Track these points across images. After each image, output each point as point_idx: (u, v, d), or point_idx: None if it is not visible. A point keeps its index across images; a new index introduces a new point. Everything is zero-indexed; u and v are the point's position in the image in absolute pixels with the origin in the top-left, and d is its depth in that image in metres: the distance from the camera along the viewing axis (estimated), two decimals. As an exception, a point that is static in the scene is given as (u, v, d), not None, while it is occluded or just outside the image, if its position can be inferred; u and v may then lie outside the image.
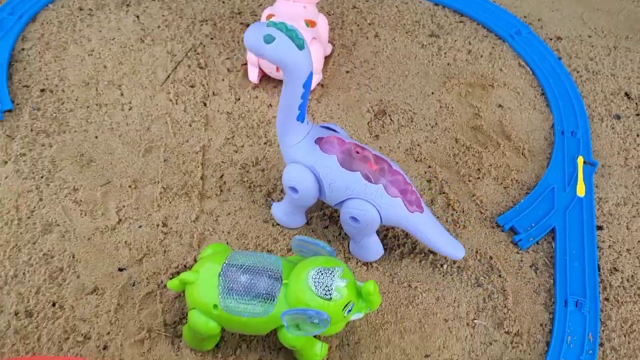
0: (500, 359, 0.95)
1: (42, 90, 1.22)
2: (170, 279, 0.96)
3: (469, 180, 1.15)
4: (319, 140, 0.94)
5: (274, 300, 0.82)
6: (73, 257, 0.99)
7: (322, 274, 0.81)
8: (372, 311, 0.86)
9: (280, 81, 1.27)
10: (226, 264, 0.84)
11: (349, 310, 0.82)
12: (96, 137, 1.16)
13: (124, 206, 1.06)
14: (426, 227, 0.96)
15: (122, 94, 1.24)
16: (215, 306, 0.82)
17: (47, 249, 0.99)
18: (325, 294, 0.80)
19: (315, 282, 0.80)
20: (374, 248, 1.01)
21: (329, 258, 0.84)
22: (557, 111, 1.28)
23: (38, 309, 0.93)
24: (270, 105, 1.25)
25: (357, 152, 0.93)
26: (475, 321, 0.98)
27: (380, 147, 1.19)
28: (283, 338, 0.84)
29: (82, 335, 0.91)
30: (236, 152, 1.16)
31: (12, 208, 1.04)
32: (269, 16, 1.24)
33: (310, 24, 1.23)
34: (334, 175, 0.93)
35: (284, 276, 0.83)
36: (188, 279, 0.84)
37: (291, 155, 0.95)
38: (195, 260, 1.00)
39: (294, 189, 0.96)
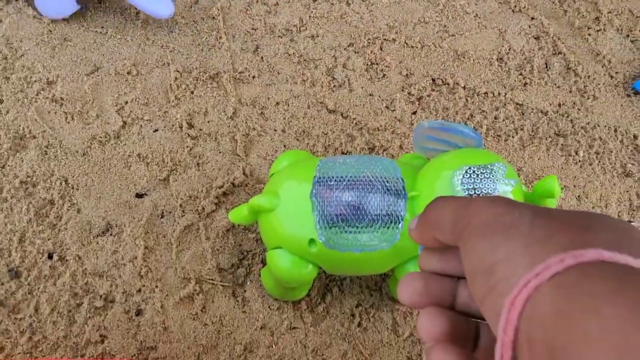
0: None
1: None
2: (228, 207, 0.67)
3: (588, 35, 0.86)
4: None
5: (399, 223, 0.53)
6: (66, 182, 0.67)
7: (475, 175, 0.51)
8: None
9: None
10: (318, 178, 0.54)
11: None
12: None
13: (126, 102, 0.73)
14: None
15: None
16: (311, 241, 0.54)
17: (24, 173, 0.67)
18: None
19: (466, 187, 0.51)
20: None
21: (477, 151, 0.55)
22: None
23: (28, 265, 0.62)
24: (304, -55, 0.89)
25: None
26: (632, 224, 0.73)
27: (468, 2, 0.87)
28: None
29: (101, 297, 0.62)
30: (269, 12, 0.82)
31: (-40, 117, 0.70)
32: None
33: None
34: None
35: (408, 186, 0.54)
36: (263, 205, 0.54)
37: None
38: (245, 173, 0.69)
39: None
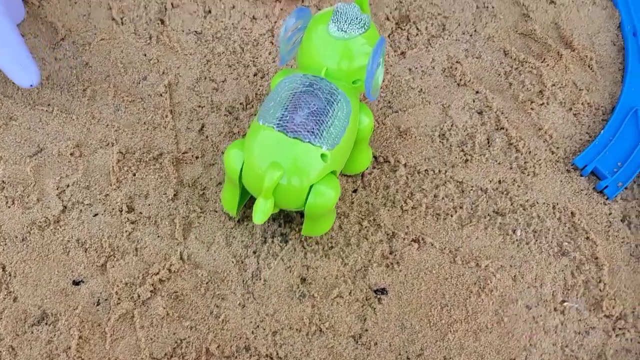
0: (603, 351, 0.72)
1: None
2: (163, 295, 0.68)
3: (531, 109, 0.87)
4: None
5: (336, 94, 0.65)
6: (3, 269, 0.68)
7: (340, 17, 0.66)
8: None
9: (264, -17, 0.92)
10: (270, 124, 0.63)
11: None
12: (11, 83, 0.80)
13: (67, 185, 0.74)
14: None
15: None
16: (323, 156, 0.63)
17: (-39, 261, 0.68)
18: (359, 26, 0.66)
19: (341, 28, 0.66)
20: None
21: (319, 13, 0.68)
22: (624, 5, 0.99)
23: (-40, 356, 0.63)
24: (255, 18, 0.90)
25: None
26: (565, 304, 0.74)
27: (410, 69, 0.88)
28: None
29: (32, 389, 0.62)
30: (217, 89, 0.84)
31: None
32: None
33: None
34: None
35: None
36: (275, 177, 0.60)
37: None
38: (182, 258, 0.70)
39: None
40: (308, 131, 0.62)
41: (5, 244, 0.69)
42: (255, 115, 0.80)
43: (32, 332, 0.65)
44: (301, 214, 0.74)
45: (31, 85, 0.73)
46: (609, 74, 0.92)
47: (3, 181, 0.73)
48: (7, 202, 0.72)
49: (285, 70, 0.69)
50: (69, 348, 0.64)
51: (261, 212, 0.59)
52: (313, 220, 0.68)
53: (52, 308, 0.66)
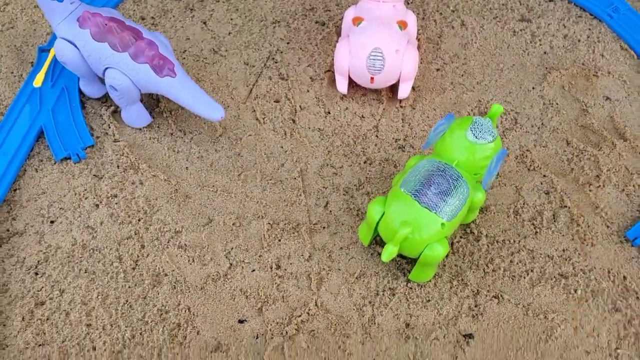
0: (650, 392, 0.90)
1: (114, 112, 1.14)
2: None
3: (590, 190, 1.07)
4: (79, 18, 1.02)
5: (460, 180, 0.90)
6: (189, 310, 0.94)
7: (477, 127, 0.90)
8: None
9: (370, 90, 1.18)
10: (408, 193, 0.89)
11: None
12: (186, 168, 1.08)
13: (232, 248, 1.00)
14: (180, 91, 1.04)
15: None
16: (442, 225, 0.87)
17: (160, 303, 0.94)
18: (490, 136, 0.90)
19: (476, 135, 0.90)
20: (140, 115, 1.11)
21: (461, 119, 0.93)
22: (670, 100, 1.18)
23: (163, 372, 0.88)
24: (363, 116, 1.16)
25: (106, 24, 1.01)
26: (619, 351, 0.92)
27: (489, 158, 1.11)
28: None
29: (214, 398, 0.86)
30: (336, 174, 1.09)
31: (115, 259, 0.98)
32: (356, 19, 1.14)
33: (403, 25, 1.13)
34: (89, 47, 1.02)
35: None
36: (405, 233, 0.86)
37: (58, 33, 1.04)
38: (317, 305, 0.94)
39: (113, 88, 1.05)
40: (435, 205, 0.87)
41: (189, 292, 0.95)
42: (390, 188, 1.04)
43: (212, 357, 0.89)
44: (412, 263, 0.97)
45: (221, 117, 1.04)
46: (657, 160, 1.11)
47: (186, 244, 1.00)
48: (189, 260, 0.98)
49: (420, 156, 0.96)
50: (238, 369, 0.88)
51: (389, 254, 0.86)
52: (422, 268, 0.92)
53: (225, 340, 0.91)
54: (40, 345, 0.90)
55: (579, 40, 1.29)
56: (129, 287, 0.95)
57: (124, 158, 1.08)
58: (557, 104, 1.19)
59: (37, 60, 1.18)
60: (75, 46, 1.03)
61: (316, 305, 0.94)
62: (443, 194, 0.88)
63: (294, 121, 1.15)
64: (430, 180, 0.89)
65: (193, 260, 0.98)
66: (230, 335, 0.92)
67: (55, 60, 1.17)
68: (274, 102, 1.18)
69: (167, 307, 0.93)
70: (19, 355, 0.89)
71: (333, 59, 1.17)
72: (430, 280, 0.97)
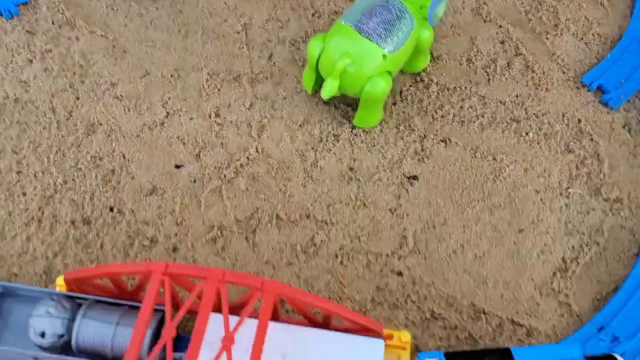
0: (600, 227, 0.87)
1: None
2: (244, 175, 0.88)
3: (546, 39, 1.03)
4: None
5: (404, 12, 0.86)
6: (124, 157, 0.90)
7: None
8: None
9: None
10: (349, 24, 0.85)
11: None
12: (125, 25, 1.03)
13: (169, 98, 0.95)
14: None
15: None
16: (384, 56, 0.84)
17: (94, 151, 0.90)
18: None
19: None
20: None
21: None
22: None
23: (96, 215, 0.85)
24: (313, -28, 1.10)
25: None
26: (570, 190, 0.89)
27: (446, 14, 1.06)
28: None
29: (147, 238, 0.84)
30: (282, 27, 1.04)
31: (49, 110, 0.94)
32: None
33: None
34: None
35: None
36: (347, 64, 0.82)
37: None
38: (257, 151, 0.91)
39: None
40: (377, 34, 0.83)
41: (124, 139, 0.91)
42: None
43: (146, 200, 0.86)
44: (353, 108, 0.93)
45: None
46: (619, 10, 1.06)
47: (122, 95, 0.95)
48: (124, 110, 0.94)
49: None
50: (174, 211, 0.85)
51: (329, 89, 0.81)
52: (365, 110, 0.88)
53: (160, 184, 0.88)
54: (-32, 192, 0.87)
55: None
56: (62, 136, 0.91)
57: (59, 15, 1.03)
58: (517, -43, 1.13)
59: None
60: None
61: (257, 150, 0.91)
62: (385, 24, 0.83)
63: (239, -22, 1.09)
64: (373, 11, 0.84)
65: (129, 110, 0.94)
66: (167, 180, 0.88)
67: None
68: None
69: (101, 154, 0.90)
70: (-53, 202, 0.86)
71: None
72: (375, 126, 0.93)
